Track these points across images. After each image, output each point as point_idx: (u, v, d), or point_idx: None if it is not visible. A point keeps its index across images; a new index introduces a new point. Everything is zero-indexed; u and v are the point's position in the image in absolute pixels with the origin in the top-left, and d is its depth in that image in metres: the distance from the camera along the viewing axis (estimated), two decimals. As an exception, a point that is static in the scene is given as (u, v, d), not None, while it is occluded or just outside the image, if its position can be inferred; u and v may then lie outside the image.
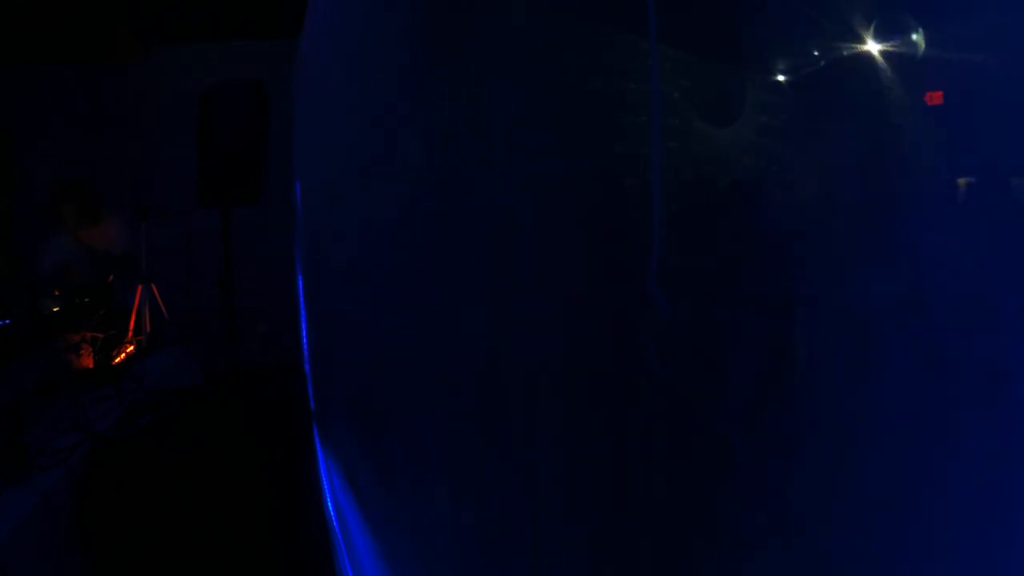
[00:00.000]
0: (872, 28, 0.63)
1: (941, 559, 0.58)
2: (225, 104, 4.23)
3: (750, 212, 0.77)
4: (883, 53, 0.62)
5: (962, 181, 0.58)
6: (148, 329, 4.80)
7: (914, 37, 0.60)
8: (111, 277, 4.52)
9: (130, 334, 4.47)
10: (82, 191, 4.81)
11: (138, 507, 2.85)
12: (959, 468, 0.56)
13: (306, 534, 3.18)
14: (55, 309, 3.72)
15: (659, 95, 0.83)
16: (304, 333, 4.93)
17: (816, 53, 0.69)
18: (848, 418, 0.66)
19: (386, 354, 1.94)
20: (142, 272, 5.02)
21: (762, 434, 0.73)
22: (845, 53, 0.66)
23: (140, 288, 4.86)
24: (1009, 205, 0.54)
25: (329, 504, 3.13)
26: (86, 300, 3.96)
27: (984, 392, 0.54)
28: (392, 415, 1.89)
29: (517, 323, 1.11)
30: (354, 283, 2.47)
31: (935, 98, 0.59)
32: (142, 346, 4.44)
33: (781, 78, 0.73)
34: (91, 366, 3.68)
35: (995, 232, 0.55)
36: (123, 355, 4.09)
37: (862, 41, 0.64)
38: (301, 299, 4.96)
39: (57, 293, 3.74)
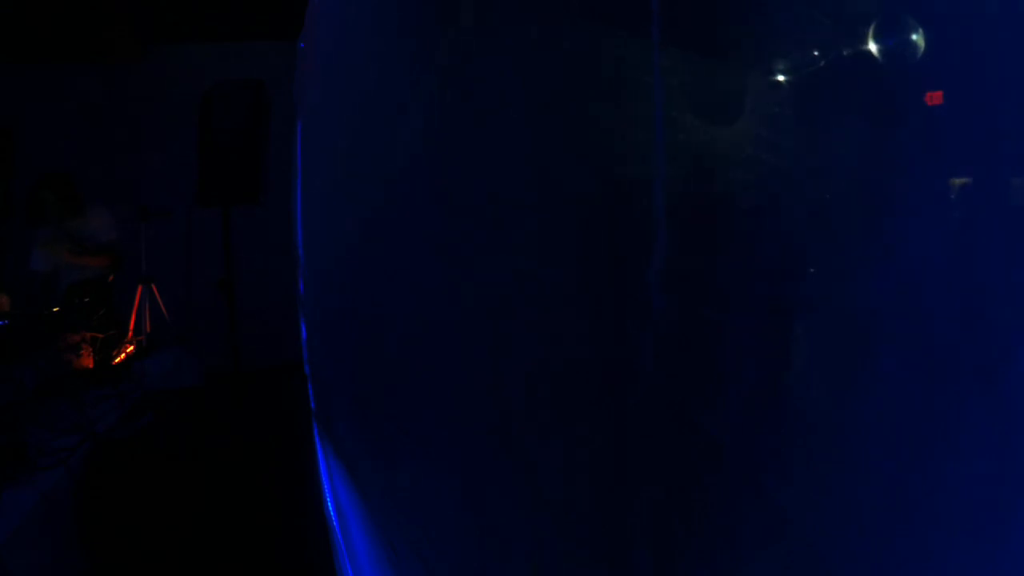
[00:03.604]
0: (872, 28, 0.63)
1: (939, 559, 0.58)
2: (225, 104, 4.24)
3: (750, 212, 0.77)
4: (883, 53, 0.62)
5: (959, 181, 0.58)
6: (148, 329, 4.80)
7: (914, 37, 0.60)
8: (111, 277, 4.52)
9: (130, 334, 4.48)
10: (62, 180, 4.73)
11: (138, 507, 2.85)
12: (956, 469, 0.56)
13: (306, 534, 3.18)
14: (55, 309, 3.72)
15: (661, 93, 0.83)
16: (304, 333, 4.93)
17: (816, 53, 0.69)
18: (844, 419, 0.66)
19: (386, 353, 1.94)
20: (142, 272, 5.02)
21: (759, 435, 0.73)
22: (845, 53, 0.66)
23: (140, 288, 4.87)
24: (1007, 206, 0.54)
25: (329, 504, 3.13)
26: (86, 300, 3.96)
27: (981, 393, 0.54)
28: (392, 414, 1.89)
29: (517, 321, 1.11)
30: (354, 282, 2.47)
31: (935, 98, 0.59)
32: (142, 346, 4.44)
33: (781, 78, 0.73)
34: (91, 366, 3.68)
35: (993, 233, 0.55)
36: (123, 355, 4.09)
37: (862, 41, 0.64)
38: (301, 298, 4.97)
39: (56, 310, 3.72)
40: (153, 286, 4.98)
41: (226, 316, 4.37)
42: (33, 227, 4.60)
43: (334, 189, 2.93)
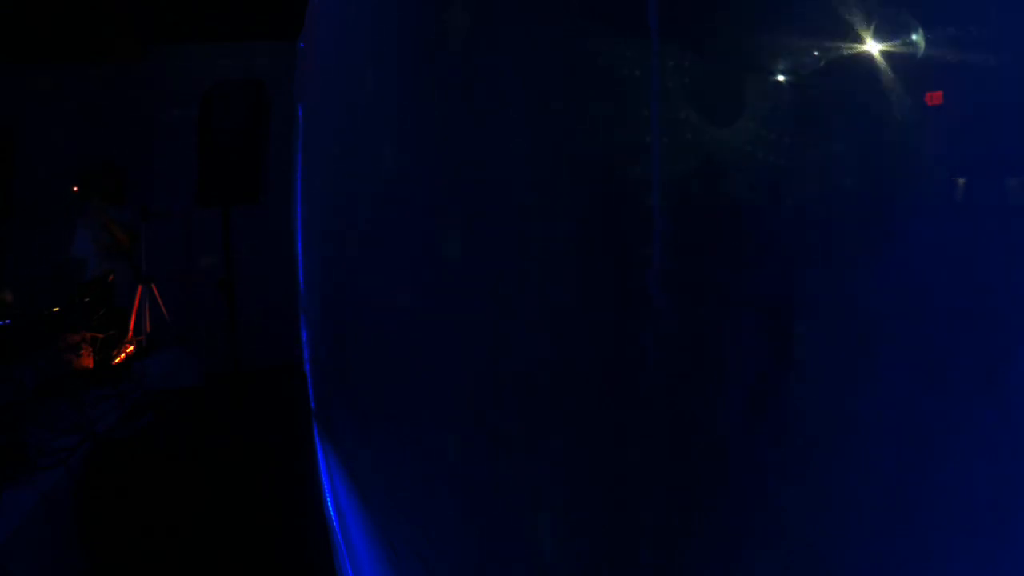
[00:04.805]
0: (872, 28, 0.63)
1: (939, 559, 0.58)
2: (225, 104, 4.25)
3: (749, 212, 0.77)
4: (883, 53, 0.62)
5: (960, 181, 0.58)
6: (148, 329, 4.80)
7: (914, 37, 0.60)
8: (111, 277, 4.52)
9: (130, 334, 4.48)
10: (110, 168, 5.10)
11: (138, 507, 2.85)
12: (956, 470, 0.56)
13: (306, 534, 3.18)
14: (55, 309, 3.72)
15: (659, 94, 0.83)
16: (304, 333, 4.93)
17: (816, 53, 0.69)
18: (844, 419, 0.66)
19: (386, 353, 1.94)
20: (142, 273, 5.03)
21: (759, 435, 0.73)
22: (845, 53, 0.66)
23: (140, 288, 4.87)
24: (1007, 206, 0.54)
25: (329, 504, 3.13)
26: (86, 300, 3.96)
27: (981, 393, 0.54)
28: (392, 415, 1.89)
29: (517, 321, 1.11)
30: (354, 282, 2.47)
31: (935, 98, 0.59)
32: (142, 346, 4.44)
33: (781, 78, 0.73)
34: (91, 366, 3.68)
35: (994, 233, 0.55)
36: (123, 355, 4.09)
37: (862, 41, 0.64)
38: (301, 298, 4.97)
39: (56, 310, 3.76)
40: (153, 286, 4.99)
41: (226, 316, 4.37)
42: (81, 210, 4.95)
43: (334, 189, 2.93)
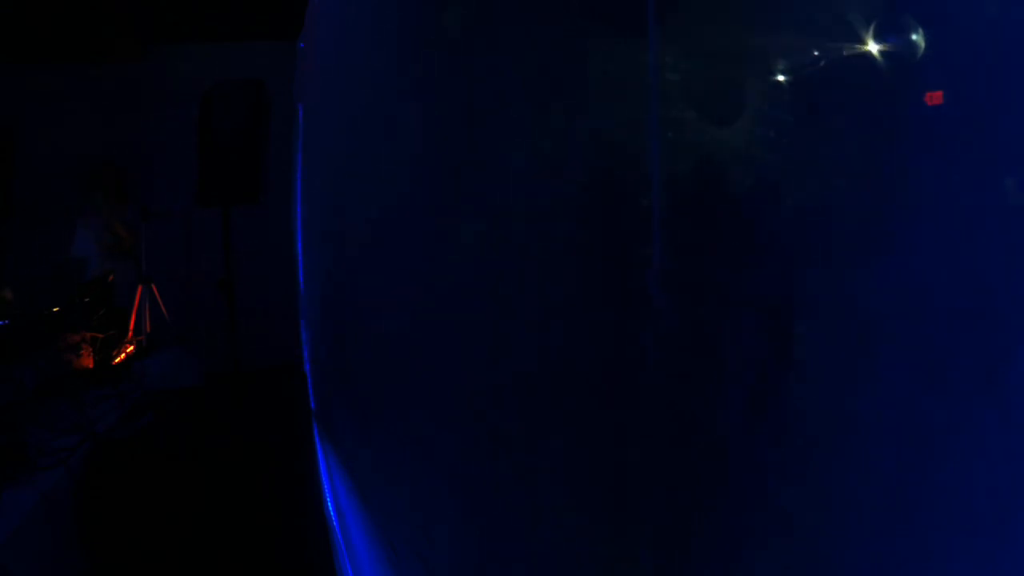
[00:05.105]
0: (872, 28, 0.63)
1: (939, 559, 0.58)
2: (225, 104, 4.24)
3: (749, 212, 0.77)
4: (883, 53, 0.62)
5: (960, 181, 0.58)
6: (148, 329, 4.80)
7: (914, 37, 0.60)
8: (111, 276, 4.52)
9: (130, 334, 4.47)
10: (112, 168, 5.27)
11: (138, 507, 2.85)
12: (956, 469, 0.56)
13: (306, 534, 3.18)
14: (55, 309, 3.72)
15: (658, 94, 0.83)
16: (304, 333, 4.93)
17: (816, 53, 0.69)
18: (844, 419, 0.66)
19: (386, 353, 1.94)
20: (142, 272, 5.03)
21: (759, 435, 0.73)
22: (845, 53, 0.66)
23: (140, 288, 4.87)
24: (1007, 206, 0.54)
25: (329, 504, 3.13)
26: (86, 300, 3.96)
27: (981, 393, 0.54)
28: (392, 415, 1.89)
29: (517, 321, 1.11)
30: (354, 282, 2.47)
31: (935, 98, 0.59)
32: (142, 346, 4.44)
33: (781, 78, 0.73)
34: (91, 366, 3.68)
35: (994, 233, 0.55)
36: (123, 355, 4.09)
37: (862, 41, 0.64)
38: (301, 298, 4.97)
39: (56, 310, 3.77)
40: (153, 286, 4.99)
41: (226, 316, 4.36)
42: (86, 211, 5.11)
43: (334, 189, 2.93)
